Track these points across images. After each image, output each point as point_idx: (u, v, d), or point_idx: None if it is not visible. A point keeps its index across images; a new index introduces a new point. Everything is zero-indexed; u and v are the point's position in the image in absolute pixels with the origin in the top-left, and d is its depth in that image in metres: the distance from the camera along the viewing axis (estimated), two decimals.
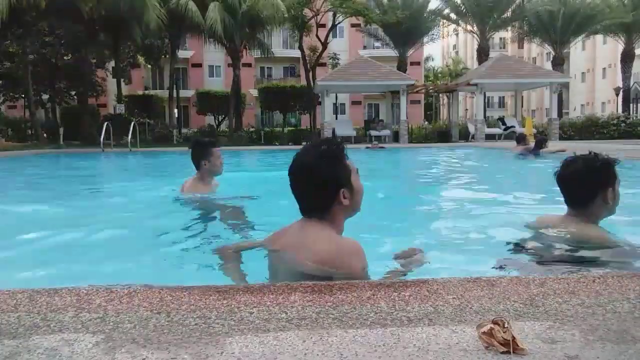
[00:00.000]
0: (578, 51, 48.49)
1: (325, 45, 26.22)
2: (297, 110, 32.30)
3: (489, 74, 23.07)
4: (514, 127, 23.18)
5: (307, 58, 26.92)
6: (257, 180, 7.56)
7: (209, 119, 33.35)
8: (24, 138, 23.26)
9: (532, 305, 1.26)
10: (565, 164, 2.47)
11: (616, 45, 34.34)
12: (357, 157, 2.03)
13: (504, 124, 24.06)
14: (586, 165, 2.40)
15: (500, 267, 2.24)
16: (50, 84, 27.64)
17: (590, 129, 24.24)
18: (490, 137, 23.13)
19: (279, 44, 37.30)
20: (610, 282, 1.47)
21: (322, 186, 1.91)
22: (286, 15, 23.32)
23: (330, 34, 26.94)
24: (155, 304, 1.25)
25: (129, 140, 17.19)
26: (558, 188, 2.50)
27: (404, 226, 3.55)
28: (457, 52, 71.27)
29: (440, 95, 45.70)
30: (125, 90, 30.34)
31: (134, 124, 18.52)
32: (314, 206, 1.95)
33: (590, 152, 2.46)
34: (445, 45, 74.28)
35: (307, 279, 1.60)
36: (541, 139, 11.29)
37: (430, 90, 33.44)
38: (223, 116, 31.34)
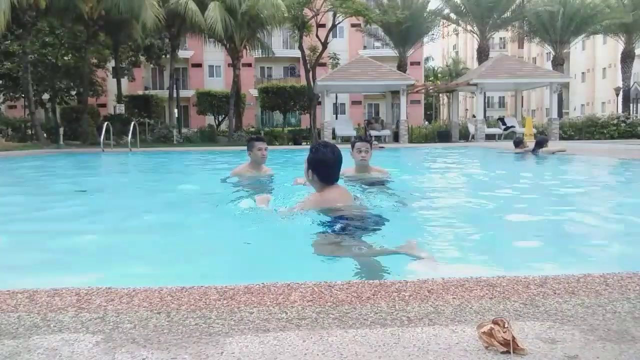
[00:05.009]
0: (578, 51, 48.48)
1: (325, 45, 26.18)
2: (297, 110, 32.29)
3: (489, 74, 23.06)
4: (514, 127, 23.20)
5: (307, 58, 26.89)
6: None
7: (209, 119, 33.34)
8: (24, 138, 23.24)
9: (532, 305, 1.26)
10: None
11: (616, 45, 34.34)
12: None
13: (504, 124, 24.07)
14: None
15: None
16: (50, 84, 27.65)
17: (590, 129, 24.25)
18: (490, 137, 23.13)
19: (279, 44, 37.29)
20: (610, 282, 1.47)
21: None
22: (286, 15, 23.29)
23: (330, 34, 26.89)
24: (155, 304, 1.25)
25: (129, 140, 17.19)
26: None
27: (403, 226, 3.55)
28: (457, 52, 71.21)
29: (440, 95, 45.75)
30: (125, 90, 30.34)
31: (134, 124, 18.51)
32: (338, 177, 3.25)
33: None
34: (445, 45, 74.24)
35: None
36: (541, 139, 11.33)
37: (430, 90, 33.43)
38: (223, 116, 31.33)
